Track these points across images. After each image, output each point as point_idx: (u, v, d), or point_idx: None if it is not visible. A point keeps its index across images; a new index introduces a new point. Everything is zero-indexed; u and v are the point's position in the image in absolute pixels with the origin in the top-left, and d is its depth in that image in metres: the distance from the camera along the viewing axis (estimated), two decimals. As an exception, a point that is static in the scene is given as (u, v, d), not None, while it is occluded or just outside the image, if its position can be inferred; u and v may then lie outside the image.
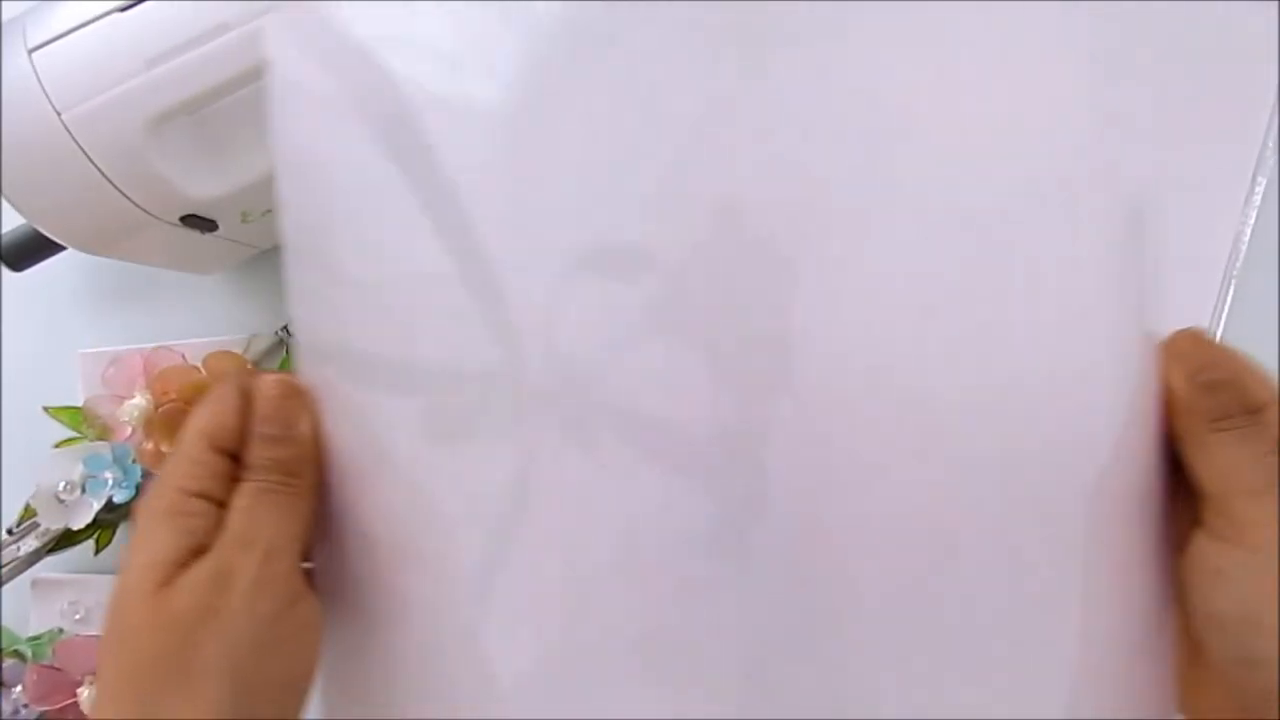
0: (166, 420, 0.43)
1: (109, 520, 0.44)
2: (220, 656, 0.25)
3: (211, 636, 0.25)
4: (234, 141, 0.34)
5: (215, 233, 0.37)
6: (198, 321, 0.46)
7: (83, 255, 0.36)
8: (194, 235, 0.37)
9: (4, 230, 0.39)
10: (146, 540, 0.27)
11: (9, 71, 0.32)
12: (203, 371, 0.44)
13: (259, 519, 0.27)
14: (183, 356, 0.45)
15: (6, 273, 0.40)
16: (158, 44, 0.32)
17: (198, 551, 0.26)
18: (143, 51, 0.32)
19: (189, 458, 0.28)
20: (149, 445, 0.43)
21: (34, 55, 0.32)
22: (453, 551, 0.27)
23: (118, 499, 0.43)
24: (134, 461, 0.43)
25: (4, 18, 0.33)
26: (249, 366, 0.44)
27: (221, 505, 0.27)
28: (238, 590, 0.26)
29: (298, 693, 0.28)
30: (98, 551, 0.44)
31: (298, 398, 0.29)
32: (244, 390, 0.29)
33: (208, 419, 0.28)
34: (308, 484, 0.28)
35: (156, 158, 0.33)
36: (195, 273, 0.45)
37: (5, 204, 0.33)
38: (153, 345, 0.45)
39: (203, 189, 0.35)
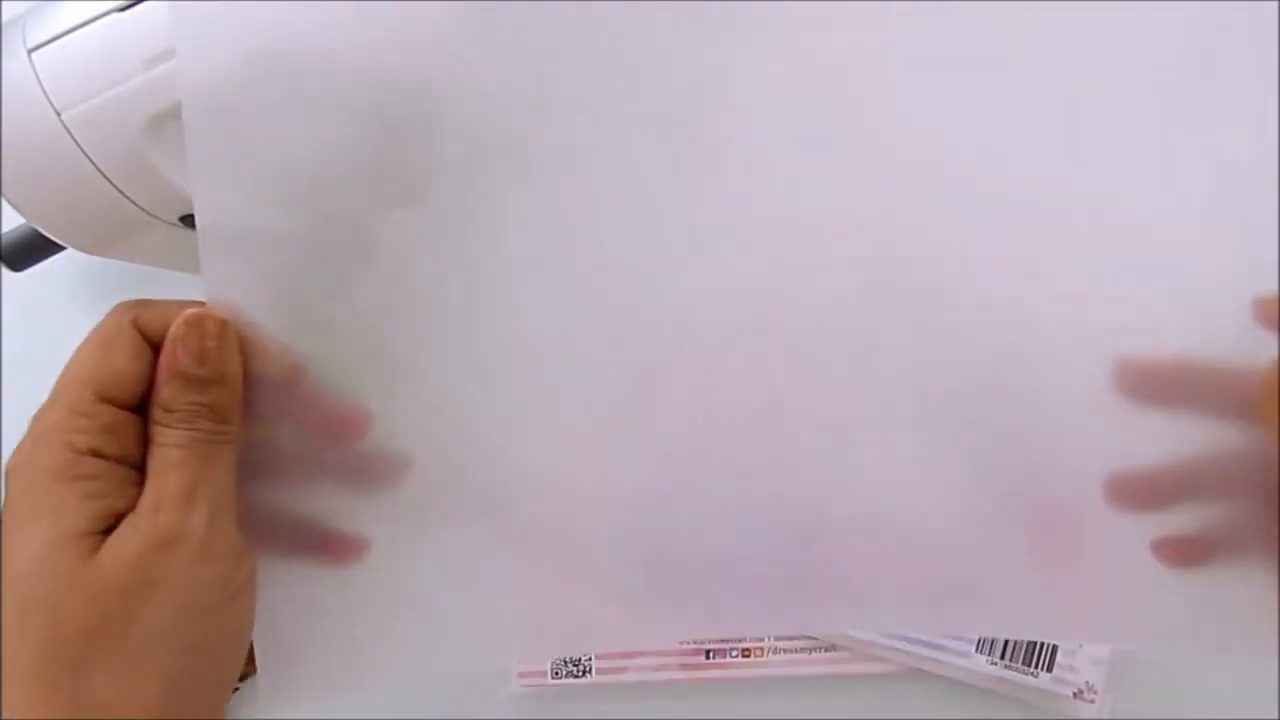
0: (166, 420, 0.43)
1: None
2: (162, 628, 0.24)
3: (153, 608, 0.23)
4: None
5: (215, 233, 0.37)
6: (198, 321, 0.46)
7: (83, 255, 0.36)
8: (194, 235, 0.36)
9: (4, 230, 0.39)
10: (43, 507, 0.24)
11: (8, 71, 0.32)
12: (203, 371, 0.44)
13: (197, 474, 0.24)
14: (183, 356, 0.44)
15: (6, 273, 0.40)
16: (157, 44, 0.32)
17: (109, 516, 0.24)
18: (142, 51, 0.32)
19: (72, 410, 0.25)
20: (149, 445, 0.43)
21: (33, 55, 0.32)
22: None
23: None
24: (134, 461, 0.43)
25: (3, 18, 0.33)
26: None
27: (119, 462, 0.25)
28: (183, 557, 0.24)
29: (238, 651, 0.26)
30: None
31: (228, 333, 0.26)
32: (140, 328, 0.26)
33: (92, 364, 0.25)
34: (237, 431, 0.26)
35: (156, 158, 0.33)
36: (195, 273, 0.45)
37: (5, 204, 0.33)
38: (153, 345, 0.45)
39: (203, 189, 0.35)
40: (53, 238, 0.35)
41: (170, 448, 0.25)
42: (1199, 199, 0.26)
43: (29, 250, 0.39)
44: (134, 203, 0.33)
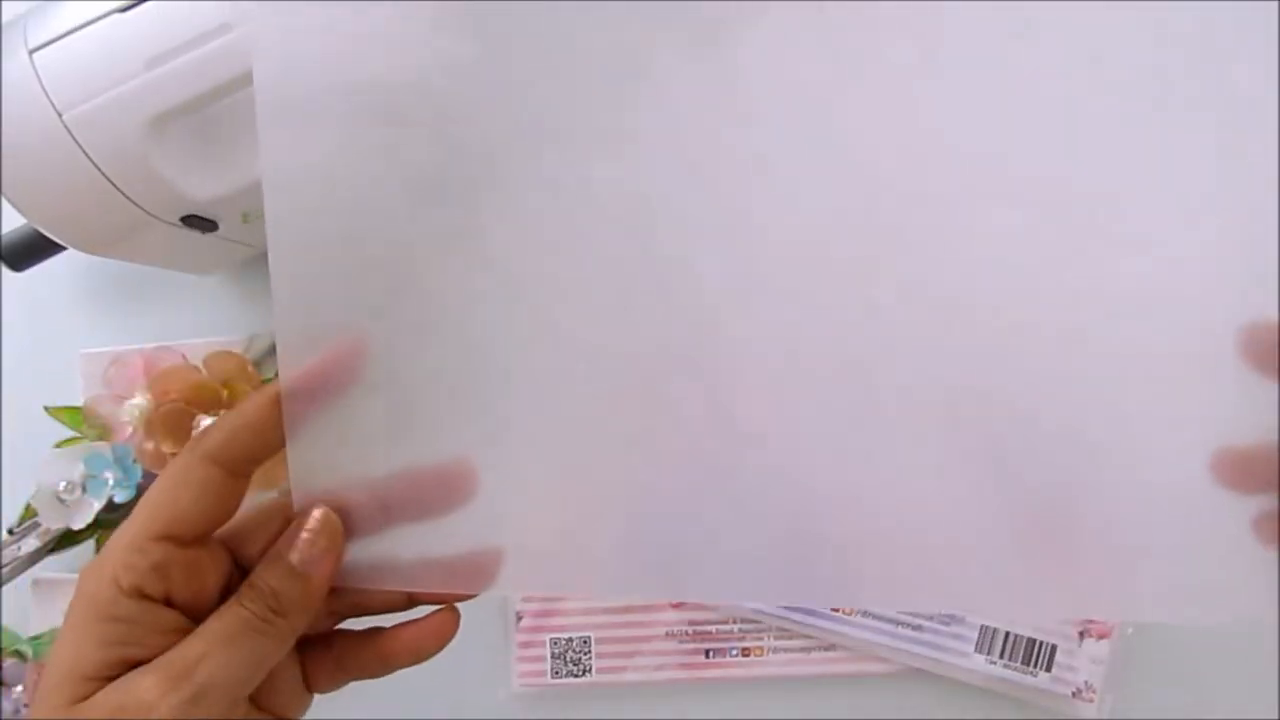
0: (167, 420, 0.43)
1: (110, 520, 0.44)
2: None
3: None
4: (234, 141, 0.34)
5: (215, 233, 0.37)
6: (198, 321, 0.46)
7: (83, 255, 0.36)
8: (194, 235, 0.37)
9: (4, 230, 0.39)
10: (68, 642, 0.24)
11: (9, 72, 0.32)
12: (203, 371, 0.44)
13: (213, 652, 0.24)
14: (183, 356, 0.45)
15: (6, 273, 0.40)
16: (158, 44, 0.32)
17: (126, 664, 0.24)
18: (143, 52, 0.32)
19: (127, 544, 0.24)
20: (149, 445, 0.43)
21: (34, 56, 0.32)
22: None
23: (118, 499, 0.43)
24: (134, 461, 0.43)
25: (4, 18, 0.33)
26: (249, 368, 0.44)
27: (164, 602, 0.24)
28: None
29: None
30: (98, 551, 0.44)
31: (337, 534, 0.26)
32: (214, 460, 0.25)
33: (158, 500, 0.25)
34: (290, 628, 0.25)
35: (156, 158, 0.33)
36: (195, 273, 0.45)
37: (5, 204, 0.34)
38: (153, 345, 0.45)
39: (203, 189, 0.35)
40: (53, 238, 0.35)
41: (214, 618, 0.24)
42: (1199, 200, 0.26)
43: (29, 250, 0.39)
44: (134, 203, 0.34)
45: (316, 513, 0.26)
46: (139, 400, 0.43)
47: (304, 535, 0.25)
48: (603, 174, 0.27)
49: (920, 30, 0.26)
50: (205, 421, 0.43)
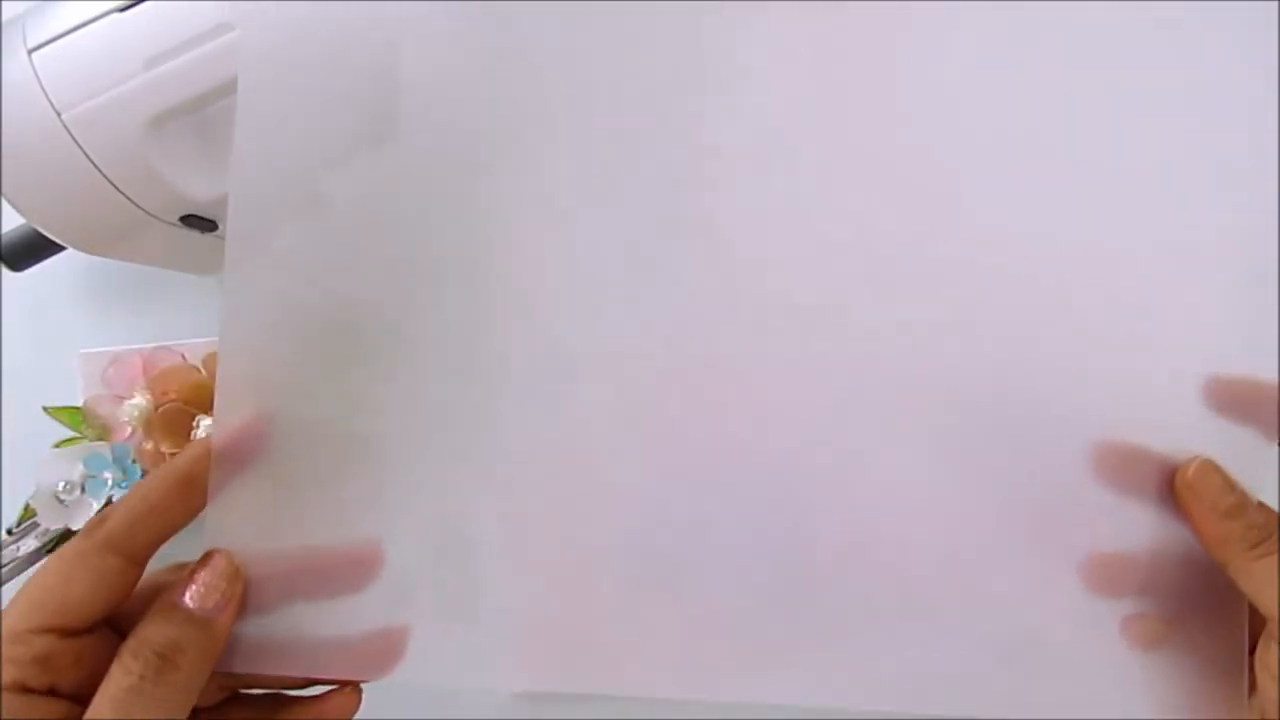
0: (166, 420, 0.43)
1: (109, 520, 0.44)
2: None
3: None
4: (233, 142, 0.34)
5: (215, 233, 0.37)
6: (198, 321, 0.46)
7: (83, 255, 0.36)
8: (194, 235, 0.37)
9: (4, 230, 0.39)
10: None
11: (9, 71, 0.32)
12: (203, 371, 0.44)
13: None
14: (183, 356, 0.45)
15: (6, 273, 0.40)
16: (158, 44, 0.32)
17: None
18: (142, 51, 0.32)
19: (8, 635, 0.22)
20: (149, 445, 0.43)
21: (34, 55, 0.32)
22: None
23: (117, 499, 0.43)
24: (133, 461, 0.43)
25: (4, 18, 0.33)
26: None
27: (49, 693, 0.23)
28: None
29: None
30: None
31: (238, 581, 0.25)
32: (114, 547, 0.24)
33: (45, 588, 0.23)
34: (186, 681, 0.23)
35: (156, 158, 0.33)
36: (195, 273, 0.45)
37: (5, 204, 0.33)
38: (153, 345, 0.45)
39: (203, 189, 0.35)
40: (53, 238, 0.35)
41: (103, 694, 0.22)
42: (1198, 200, 0.26)
43: (29, 250, 0.39)
44: (134, 203, 0.33)
45: (219, 557, 0.25)
46: (138, 400, 0.43)
47: (204, 579, 0.24)
48: (574, 197, 0.27)
49: (921, 32, 0.26)
50: (205, 421, 0.43)
